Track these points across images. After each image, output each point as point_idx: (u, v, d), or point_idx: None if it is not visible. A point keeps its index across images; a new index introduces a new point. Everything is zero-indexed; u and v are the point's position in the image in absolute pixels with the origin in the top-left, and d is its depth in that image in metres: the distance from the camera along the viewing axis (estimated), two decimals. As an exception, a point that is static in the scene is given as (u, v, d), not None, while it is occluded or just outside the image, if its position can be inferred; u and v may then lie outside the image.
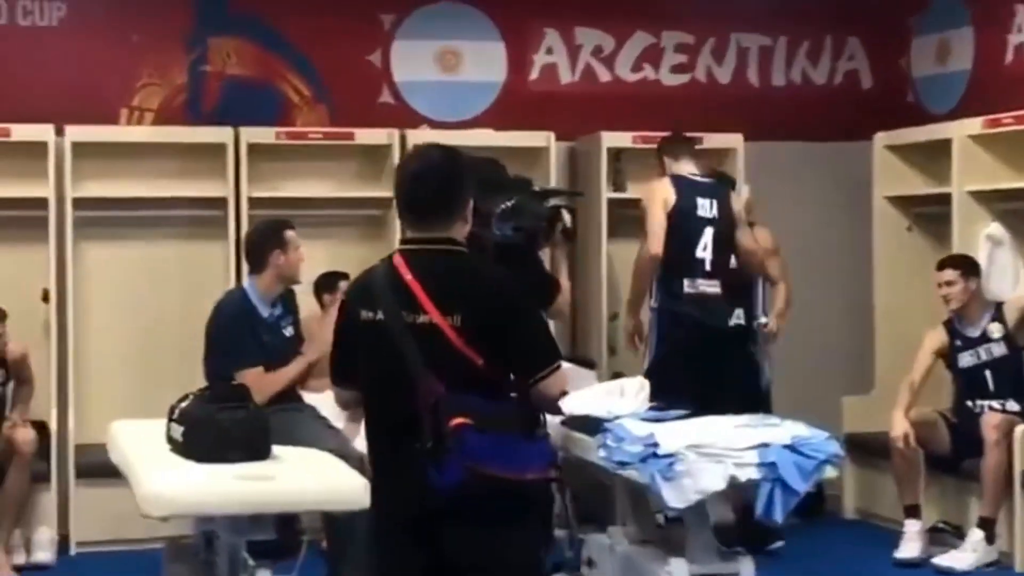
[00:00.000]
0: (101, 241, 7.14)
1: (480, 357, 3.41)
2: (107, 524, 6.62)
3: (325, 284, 6.82)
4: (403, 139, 7.24)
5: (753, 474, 4.60)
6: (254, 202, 7.04)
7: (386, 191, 7.27)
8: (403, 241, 3.60)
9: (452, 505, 3.35)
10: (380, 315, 3.47)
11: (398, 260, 3.51)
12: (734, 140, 7.67)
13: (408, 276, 3.46)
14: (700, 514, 4.81)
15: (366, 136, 7.32)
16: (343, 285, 6.78)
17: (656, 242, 6.10)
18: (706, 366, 5.98)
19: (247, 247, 5.72)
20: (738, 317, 6.70)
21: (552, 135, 7.34)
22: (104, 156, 7.04)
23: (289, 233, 5.57)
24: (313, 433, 5.24)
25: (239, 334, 5.38)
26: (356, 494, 4.22)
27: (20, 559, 6.41)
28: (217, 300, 5.75)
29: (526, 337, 3.50)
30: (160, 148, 7.13)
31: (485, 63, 7.81)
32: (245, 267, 6.87)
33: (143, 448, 4.57)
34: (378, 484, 3.61)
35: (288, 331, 5.62)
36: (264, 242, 5.55)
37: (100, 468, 6.34)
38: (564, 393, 3.60)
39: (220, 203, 7.10)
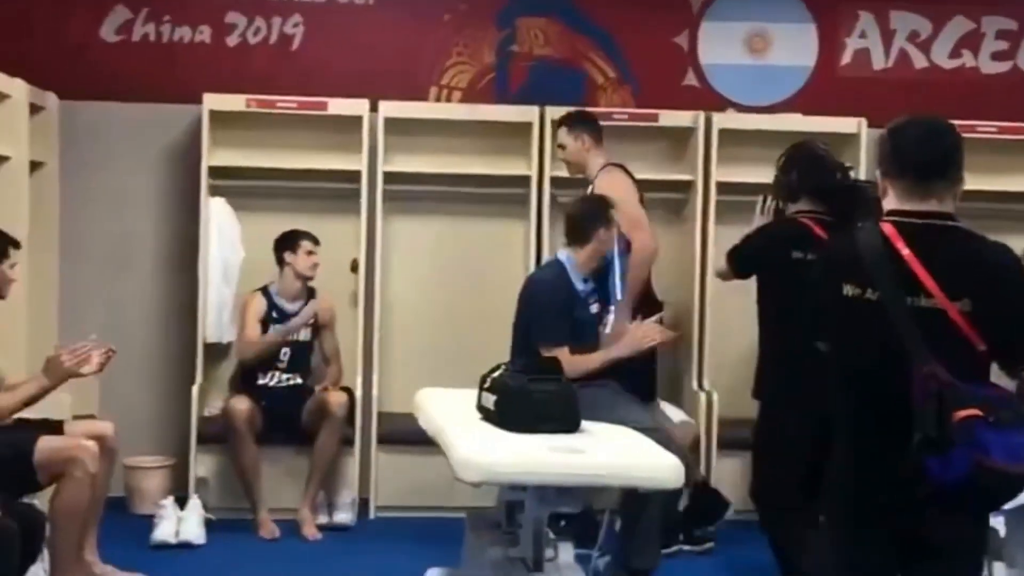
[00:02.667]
0: (408, 215, 7.29)
1: (983, 344, 3.19)
2: (405, 490, 6.82)
3: None
4: (708, 122, 7.14)
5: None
6: (557, 181, 7.07)
7: (688, 174, 7.20)
8: (892, 212, 3.31)
9: (949, 495, 3.15)
10: (872, 294, 3.24)
11: (890, 231, 3.26)
12: (1058, 132, 7.30)
13: (905, 251, 3.21)
14: (1021, 515, 4.58)
15: (671, 118, 7.24)
16: None
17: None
18: None
19: (572, 220, 5.74)
20: None
21: (864, 121, 7.10)
22: (414, 132, 7.17)
23: (613, 212, 5.64)
24: (619, 408, 5.23)
25: (556, 309, 5.46)
26: (667, 472, 4.19)
27: (323, 519, 6.62)
28: (532, 273, 5.82)
29: None
30: (467, 126, 7.21)
31: (795, 46, 7.61)
32: (547, 244, 7.00)
33: (455, 415, 4.64)
34: (849, 468, 3.37)
35: (594, 307, 5.68)
36: (592, 216, 5.63)
37: (401, 436, 6.56)
38: None
39: (523, 181, 7.15)
